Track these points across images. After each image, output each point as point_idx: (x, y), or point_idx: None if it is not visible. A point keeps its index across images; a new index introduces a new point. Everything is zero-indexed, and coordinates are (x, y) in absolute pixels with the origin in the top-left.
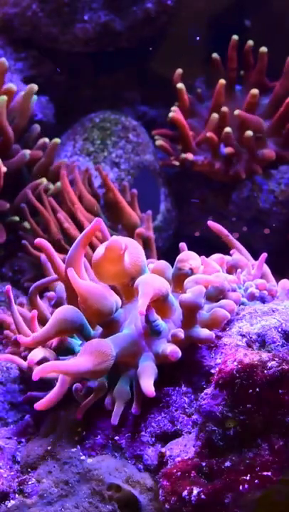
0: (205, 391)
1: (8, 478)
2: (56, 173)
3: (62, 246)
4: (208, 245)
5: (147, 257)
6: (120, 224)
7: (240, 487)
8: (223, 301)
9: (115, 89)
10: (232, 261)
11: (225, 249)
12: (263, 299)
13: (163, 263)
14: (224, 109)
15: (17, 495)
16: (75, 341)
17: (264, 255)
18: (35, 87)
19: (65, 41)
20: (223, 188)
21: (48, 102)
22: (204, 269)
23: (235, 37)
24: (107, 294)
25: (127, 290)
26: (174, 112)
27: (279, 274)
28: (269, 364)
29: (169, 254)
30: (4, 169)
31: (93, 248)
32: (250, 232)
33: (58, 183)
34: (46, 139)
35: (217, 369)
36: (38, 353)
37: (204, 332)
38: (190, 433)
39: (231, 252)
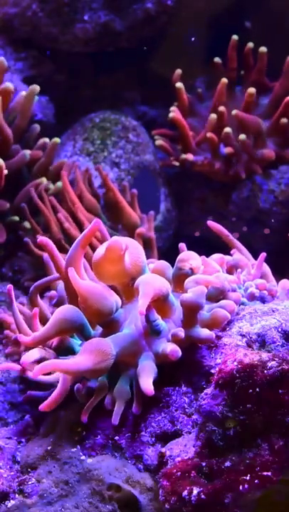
0: (205, 391)
1: (8, 478)
2: (56, 173)
3: (63, 246)
4: (208, 245)
5: (148, 257)
6: (120, 224)
7: (240, 487)
8: (223, 302)
9: (115, 89)
10: (232, 261)
11: (225, 249)
12: (263, 299)
13: (163, 263)
14: (221, 108)
15: (17, 495)
16: (75, 341)
17: (263, 255)
18: (37, 88)
19: (65, 41)
20: (223, 188)
21: (48, 102)
22: (204, 269)
23: (235, 37)
24: (107, 293)
25: (127, 290)
26: (174, 112)
27: (279, 274)
28: (269, 364)
29: (169, 254)
30: (5, 172)
31: (93, 248)
32: (250, 232)
33: (58, 183)
34: (46, 139)
35: (217, 369)
36: (33, 354)
37: (204, 332)
38: (190, 433)
39: (232, 251)
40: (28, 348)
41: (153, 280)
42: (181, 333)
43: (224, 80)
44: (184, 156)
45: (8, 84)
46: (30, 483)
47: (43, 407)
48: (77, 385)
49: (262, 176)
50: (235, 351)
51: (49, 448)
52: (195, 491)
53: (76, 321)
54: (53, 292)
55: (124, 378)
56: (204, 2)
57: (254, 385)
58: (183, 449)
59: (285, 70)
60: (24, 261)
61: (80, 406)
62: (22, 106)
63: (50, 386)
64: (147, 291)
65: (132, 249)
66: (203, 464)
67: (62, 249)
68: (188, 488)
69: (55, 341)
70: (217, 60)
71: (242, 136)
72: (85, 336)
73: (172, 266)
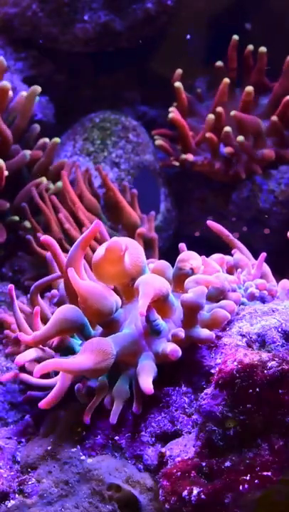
0: (205, 391)
1: (8, 478)
2: (56, 173)
3: (63, 245)
4: (208, 245)
5: (149, 258)
6: (120, 224)
7: (240, 487)
8: (223, 302)
9: (115, 89)
10: (233, 261)
11: (225, 249)
12: (263, 299)
13: (163, 263)
14: (219, 109)
15: (17, 495)
16: (75, 341)
17: (263, 255)
18: (38, 88)
19: (65, 41)
20: (223, 188)
21: (48, 102)
22: (204, 269)
23: (235, 37)
24: (107, 293)
25: (127, 290)
26: (173, 113)
27: (279, 274)
28: (269, 364)
29: (169, 254)
30: (6, 173)
31: (92, 249)
32: (250, 232)
33: (58, 183)
34: (46, 139)
35: (217, 369)
36: (29, 354)
37: (204, 332)
38: (190, 433)
39: (233, 251)
40: (27, 347)
41: (153, 280)
42: (181, 333)
43: (226, 80)
44: (183, 156)
45: (5, 83)
46: (30, 483)
47: (42, 404)
48: (77, 385)
49: (262, 175)
50: (235, 351)
51: (49, 448)
52: (195, 491)
53: (77, 320)
54: (54, 291)
55: (123, 378)
56: (204, 2)
57: (254, 385)
58: (183, 449)
59: (285, 69)
60: (24, 261)
61: (80, 406)
62: (23, 106)
63: (49, 388)
64: (147, 292)
65: (131, 250)
66: (203, 463)
67: (63, 249)
68: (188, 488)
69: (55, 341)
70: (219, 63)
71: (240, 138)
72: (85, 336)
73: (172, 266)
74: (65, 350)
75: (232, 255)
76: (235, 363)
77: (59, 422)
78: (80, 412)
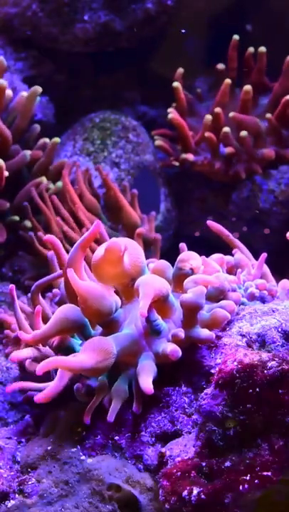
0: (205, 391)
1: (8, 478)
2: (56, 173)
3: (64, 246)
4: (208, 245)
5: (150, 258)
6: (121, 224)
7: (240, 487)
8: (223, 302)
9: (115, 89)
10: (234, 261)
11: (225, 249)
12: (263, 299)
13: (163, 263)
14: (217, 109)
15: (17, 495)
16: (76, 341)
17: (264, 255)
18: (39, 89)
19: (65, 41)
20: (223, 188)
21: (48, 102)
22: (204, 269)
23: (236, 37)
24: (107, 294)
25: (126, 290)
26: (172, 113)
27: (279, 274)
28: (269, 364)
29: (169, 254)
30: (6, 174)
31: (91, 250)
32: (250, 232)
33: (58, 183)
34: (46, 139)
35: (217, 369)
36: (24, 352)
37: (204, 332)
38: (190, 433)
39: (233, 251)
40: (27, 347)
41: (153, 281)
42: (181, 333)
43: (228, 81)
44: (184, 155)
45: (2, 81)
46: (30, 483)
47: (38, 398)
48: (76, 385)
49: (262, 175)
50: (235, 351)
51: (49, 448)
52: (195, 491)
53: (77, 320)
54: (55, 290)
55: (123, 378)
56: (204, 2)
57: (254, 385)
58: (183, 449)
59: (285, 69)
60: (24, 260)
61: (80, 406)
62: (23, 106)
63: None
64: (148, 292)
65: (131, 250)
66: (203, 463)
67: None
68: (188, 488)
69: (56, 340)
70: (221, 66)
71: (243, 133)
72: (86, 336)
73: (172, 266)
74: (66, 350)
75: (232, 255)
76: (235, 363)
77: (59, 422)
78: (80, 412)
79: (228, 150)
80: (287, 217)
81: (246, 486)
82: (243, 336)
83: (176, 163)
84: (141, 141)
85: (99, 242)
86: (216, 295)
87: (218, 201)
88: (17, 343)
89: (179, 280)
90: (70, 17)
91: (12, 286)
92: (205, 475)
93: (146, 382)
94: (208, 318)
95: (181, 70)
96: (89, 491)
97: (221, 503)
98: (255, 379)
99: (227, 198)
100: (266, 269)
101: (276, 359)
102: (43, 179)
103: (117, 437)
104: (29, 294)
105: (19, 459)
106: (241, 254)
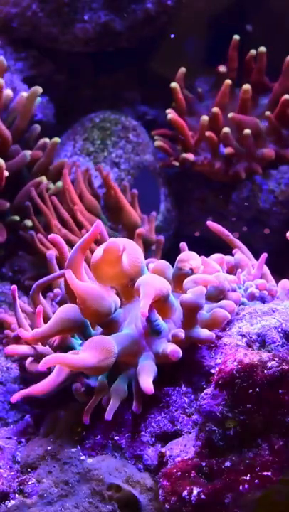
0: (205, 391)
1: (8, 478)
2: (56, 173)
3: None
4: (208, 245)
5: (151, 258)
6: (121, 224)
7: (240, 487)
8: (223, 302)
9: (115, 89)
10: (234, 260)
11: (225, 249)
12: (263, 299)
13: (163, 263)
14: (215, 110)
15: (17, 495)
16: (76, 341)
17: (264, 255)
18: (39, 89)
19: (65, 41)
20: (223, 188)
21: (48, 102)
22: (204, 269)
23: (236, 37)
24: (105, 294)
25: (126, 291)
26: (171, 114)
27: (279, 274)
28: (269, 364)
29: (169, 254)
30: (6, 174)
31: (91, 251)
32: (250, 232)
33: (58, 183)
34: (47, 139)
35: (217, 369)
36: (21, 349)
37: (204, 332)
38: (190, 433)
39: (234, 251)
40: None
41: (153, 281)
42: (182, 333)
43: (228, 82)
44: (184, 155)
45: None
46: (30, 483)
47: (34, 390)
48: (75, 384)
49: (262, 175)
50: (235, 351)
51: (49, 448)
52: (195, 491)
53: (77, 320)
54: (56, 290)
55: (122, 377)
56: (204, 2)
57: (254, 385)
58: (183, 449)
59: (285, 69)
60: (24, 260)
61: (79, 406)
62: (23, 107)
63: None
64: (148, 292)
65: (129, 250)
66: (203, 463)
67: None
68: (188, 488)
69: (56, 340)
70: (222, 69)
71: (246, 131)
72: (86, 336)
73: (172, 266)
74: (66, 349)
75: (232, 255)
76: (235, 363)
77: (59, 422)
78: (80, 412)
79: (228, 150)
80: (287, 217)
81: (246, 486)
82: (243, 335)
83: (176, 163)
84: (141, 141)
85: (99, 242)
86: (216, 295)
87: (218, 201)
88: (17, 342)
89: (178, 280)
90: (70, 17)
91: (14, 286)
92: (205, 475)
93: (147, 382)
94: (208, 318)
95: (183, 70)
96: (89, 491)
97: (221, 503)
98: (255, 379)
99: (227, 198)
100: (266, 269)
101: (276, 359)
102: (43, 179)
103: (117, 437)
104: (30, 292)
105: (19, 459)
106: (241, 254)
